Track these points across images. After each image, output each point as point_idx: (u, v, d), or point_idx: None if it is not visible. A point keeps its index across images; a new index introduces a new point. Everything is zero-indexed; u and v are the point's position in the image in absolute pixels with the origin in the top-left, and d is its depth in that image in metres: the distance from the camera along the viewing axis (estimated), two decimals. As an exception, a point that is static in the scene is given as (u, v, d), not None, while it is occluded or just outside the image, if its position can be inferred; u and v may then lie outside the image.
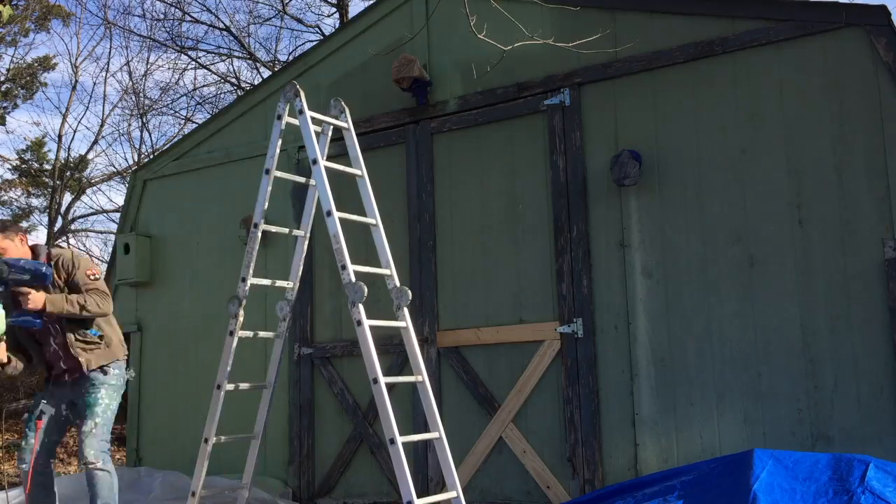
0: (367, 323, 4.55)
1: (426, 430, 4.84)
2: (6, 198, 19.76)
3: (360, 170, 5.21)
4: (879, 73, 5.33)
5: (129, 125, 19.86)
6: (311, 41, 17.51)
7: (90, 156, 20.01)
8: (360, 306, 4.56)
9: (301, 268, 5.52)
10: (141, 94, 19.19)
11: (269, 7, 18.58)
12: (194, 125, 15.73)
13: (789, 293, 5.45)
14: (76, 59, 20.49)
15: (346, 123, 5.34)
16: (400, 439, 4.30)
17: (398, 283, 4.93)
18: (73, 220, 19.98)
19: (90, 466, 5.04)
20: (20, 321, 4.88)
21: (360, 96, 7.01)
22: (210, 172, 8.02)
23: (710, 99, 5.83)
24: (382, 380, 4.44)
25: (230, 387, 5.09)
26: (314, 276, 7.23)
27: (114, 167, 19.98)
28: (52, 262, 5.06)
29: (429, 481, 6.41)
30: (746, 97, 5.72)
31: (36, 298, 4.86)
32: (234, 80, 18.29)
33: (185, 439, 7.47)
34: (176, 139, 15.43)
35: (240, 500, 5.27)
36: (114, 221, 19.38)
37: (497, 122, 6.58)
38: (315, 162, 4.92)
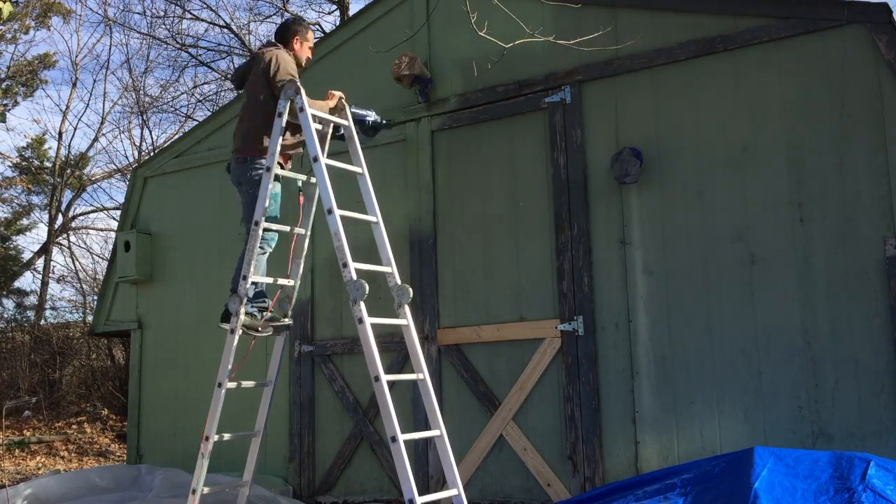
0: (369, 320, 4.55)
1: (427, 427, 4.85)
2: (7, 195, 19.76)
3: (360, 167, 5.21)
4: (881, 70, 5.33)
5: (130, 123, 19.79)
6: (312, 38, 17.45)
7: (90, 153, 20.01)
8: (362, 304, 4.56)
9: (302, 265, 5.52)
10: (141, 92, 19.18)
11: (269, 4, 18.56)
12: (195, 123, 15.71)
13: (790, 291, 5.45)
14: (76, 57, 20.51)
15: (347, 121, 5.34)
16: (401, 437, 4.31)
17: (399, 281, 4.93)
18: (74, 217, 19.97)
19: None
20: None
21: (360, 94, 7.00)
22: (211, 170, 8.02)
23: (711, 96, 5.83)
24: (384, 377, 4.44)
25: (231, 385, 5.09)
26: (315, 274, 7.23)
27: (114, 165, 19.99)
28: None
29: (429, 479, 6.42)
30: (747, 95, 5.71)
31: None
32: (234, 78, 18.24)
33: (186, 437, 7.48)
34: (176, 137, 15.44)
35: (241, 498, 5.28)
36: (114, 219, 19.38)
37: (498, 120, 6.57)
38: (316, 159, 4.92)
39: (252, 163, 5.32)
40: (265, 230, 5.18)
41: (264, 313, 5.31)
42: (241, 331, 5.09)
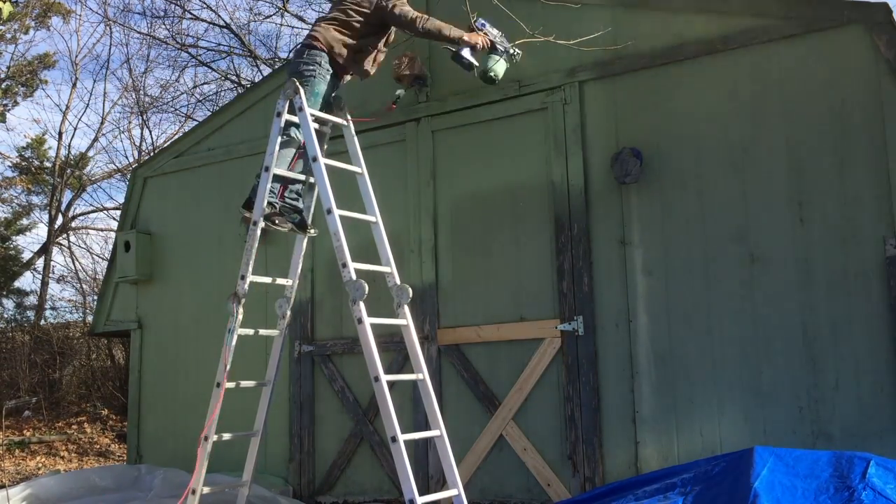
0: (368, 321, 4.55)
1: (427, 427, 4.85)
2: (6, 195, 19.76)
3: (360, 167, 5.21)
4: (880, 70, 5.32)
5: (130, 123, 19.80)
6: (312, 38, 17.41)
7: (90, 153, 20.02)
8: (361, 304, 4.56)
9: (301, 265, 5.52)
10: (141, 92, 19.18)
11: (269, 4, 18.56)
12: (195, 123, 15.70)
13: (790, 291, 5.44)
14: (76, 57, 20.52)
15: (346, 121, 5.34)
16: (402, 437, 4.30)
17: (398, 281, 4.93)
18: (74, 217, 19.97)
19: None
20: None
21: (360, 94, 7.00)
22: (210, 170, 8.02)
23: (711, 96, 5.83)
24: (384, 377, 4.44)
25: (230, 384, 5.09)
26: (314, 274, 7.23)
27: (114, 165, 20.00)
28: None
29: (429, 479, 6.42)
30: (747, 95, 5.71)
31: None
32: (234, 78, 18.28)
33: (186, 437, 7.48)
34: (176, 137, 15.44)
35: (240, 498, 5.28)
36: (114, 219, 19.37)
37: (498, 120, 6.57)
38: (315, 159, 4.92)
39: (307, 55, 5.33)
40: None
41: (290, 214, 5.34)
42: (264, 224, 5.09)
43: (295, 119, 5.14)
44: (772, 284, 5.50)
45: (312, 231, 5.51)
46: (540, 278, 6.26)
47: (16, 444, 12.13)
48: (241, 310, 5.07)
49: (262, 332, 5.36)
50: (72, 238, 19.67)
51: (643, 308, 5.86)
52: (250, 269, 5.09)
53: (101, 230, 20.04)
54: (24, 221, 20.07)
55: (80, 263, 19.03)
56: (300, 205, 5.44)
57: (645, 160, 5.89)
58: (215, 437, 5.00)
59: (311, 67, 5.30)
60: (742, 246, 5.61)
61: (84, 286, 18.36)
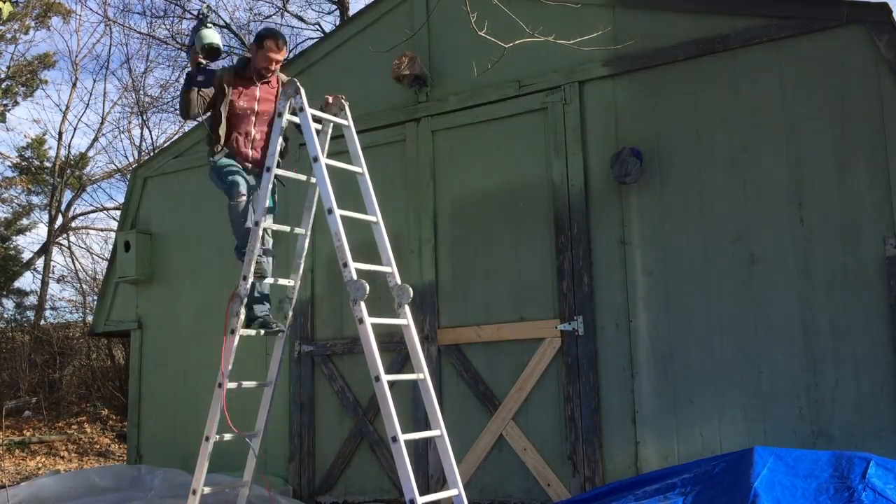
0: (369, 320, 4.55)
1: (427, 427, 4.84)
2: (6, 195, 19.74)
3: (360, 167, 5.21)
4: (880, 70, 5.33)
5: (130, 123, 19.80)
6: (312, 39, 17.48)
7: (90, 153, 20.01)
8: (362, 304, 4.56)
9: (302, 265, 5.51)
10: (141, 92, 19.17)
11: (269, 4, 18.55)
12: (195, 123, 15.68)
13: (790, 291, 5.45)
14: (76, 57, 20.52)
15: (347, 121, 5.33)
16: (402, 437, 4.30)
17: (399, 281, 4.92)
18: (74, 217, 19.95)
19: None
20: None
21: (360, 94, 7.00)
22: (211, 170, 8.01)
23: (711, 96, 5.83)
24: (384, 377, 4.43)
25: (231, 385, 5.09)
26: (314, 274, 7.23)
27: (114, 165, 19.98)
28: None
29: (429, 479, 6.42)
30: (747, 95, 5.71)
31: None
32: (234, 78, 18.23)
33: (186, 437, 7.48)
34: (176, 137, 15.42)
35: (241, 498, 5.28)
36: (114, 219, 19.33)
37: (497, 120, 6.57)
38: (316, 159, 4.91)
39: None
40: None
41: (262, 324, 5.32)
42: (241, 331, 5.09)
43: (296, 119, 5.14)
44: (772, 284, 5.50)
45: (284, 324, 5.46)
46: (540, 278, 6.26)
47: (16, 444, 12.13)
48: (242, 310, 5.07)
49: (263, 332, 5.35)
50: (72, 238, 19.66)
51: (643, 308, 5.86)
52: (252, 269, 5.09)
53: (101, 230, 20.02)
54: (24, 221, 20.05)
55: (80, 263, 19.03)
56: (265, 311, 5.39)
57: (645, 160, 5.89)
58: (216, 438, 5.00)
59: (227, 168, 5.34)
60: (742, 246, 5.62)
61: (84, 286, 18.36)
